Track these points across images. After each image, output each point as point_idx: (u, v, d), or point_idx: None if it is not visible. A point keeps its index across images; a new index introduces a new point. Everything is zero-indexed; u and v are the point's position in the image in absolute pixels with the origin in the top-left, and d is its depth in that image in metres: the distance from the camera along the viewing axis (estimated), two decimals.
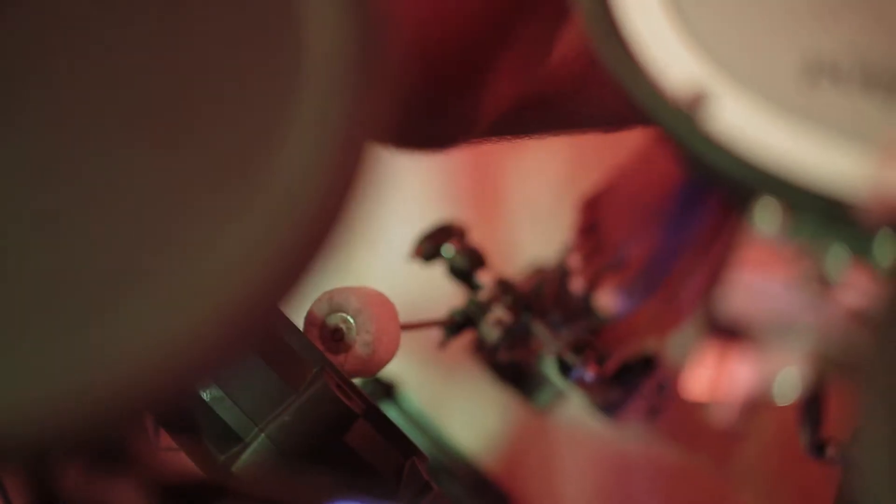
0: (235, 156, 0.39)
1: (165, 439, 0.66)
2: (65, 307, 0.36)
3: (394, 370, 1.05)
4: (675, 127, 0.45)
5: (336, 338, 0.70)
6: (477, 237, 0.87)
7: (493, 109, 0.68)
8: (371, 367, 0.70)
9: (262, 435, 0.65)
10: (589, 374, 0.85)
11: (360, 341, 0.69)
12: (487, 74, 0.65)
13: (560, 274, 0.95)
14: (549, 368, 0.87)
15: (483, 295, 0.86)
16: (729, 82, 0.45)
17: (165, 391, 0.36)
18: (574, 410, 1.02)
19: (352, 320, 0.69)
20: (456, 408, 1.06)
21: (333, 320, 0.69)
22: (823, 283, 0.43)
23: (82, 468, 0.38)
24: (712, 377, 0.44)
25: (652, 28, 0.46)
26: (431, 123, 0.65)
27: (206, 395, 0.65)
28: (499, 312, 0.85)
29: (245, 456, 0.65)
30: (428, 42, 0.60)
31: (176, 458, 0.59)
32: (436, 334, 0.85)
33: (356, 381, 1.01)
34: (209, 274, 0.37)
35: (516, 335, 0.86)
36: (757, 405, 0.44)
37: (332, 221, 0.38)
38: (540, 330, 0.87)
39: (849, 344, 0.43)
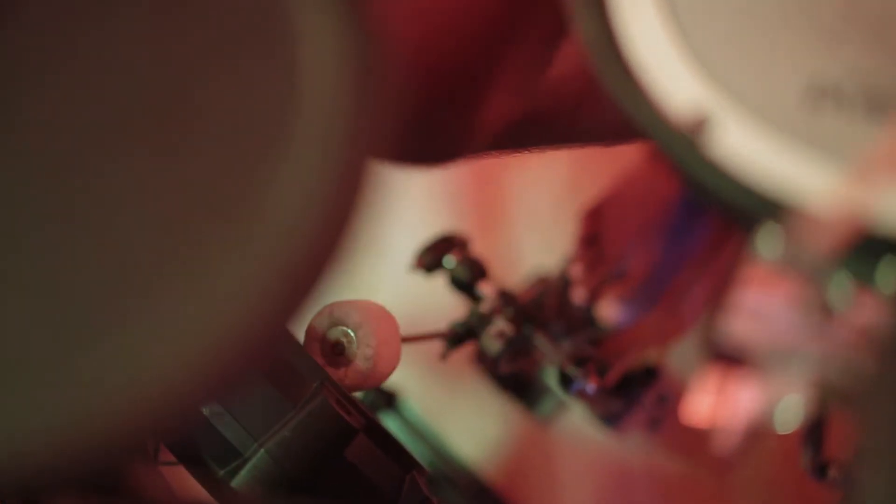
0: (234, 180, 0.39)
1: (164, 454, 0.66)
2: (62, 335, 0.36)
3: (395, 380, 1.04)
4: (677, 151, 0.44)
5: (337, 352, 0.69)
6: (478, 248, 0.87)
7: (490, 125, 0.68)
8: (372, 380, 0.70)
9: (262, 450, 0.65)
10: (590, 386, 0.85)
11: (361, 355, 0.69)
12: (485, 91, 0.65)
13: (561, 285, 0.95)
14: (551, 379, 0.87)
15: (484, 306, 0.85)
16: (732, 106, 0.45)
17: (167, 421, 0.35)
18: (575, 421, 1.02)
19: (353, 334, 0.69)
20: (457, 417, 1.06)
21: (334, 334, 0.69)
22: (826, 310, 0.43)
23: (77, 498, 0.37)
24: (713, 403, 0.44)
25: (654, 51, 0.46)
26: (429, 140, 0.65)
27: (205, 411, 0.65)
28: (500, 324, 0.85)
29: (244, 471, 0.65)
30: (424, 58, 0.60)
31: (173, 479, 0.59)
32: (437, 344, 0.85)
33: (357, 394, 1.01)
34: (210, 300, 0.37)
35: (518, 346, 0.86)
36: (758, 432, 0.44)
37: (335, 243, 0.38)
38: (541, 341, 0.86)
39: (851, 371, 0.43)
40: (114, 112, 0.39)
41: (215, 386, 0.35)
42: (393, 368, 0.71)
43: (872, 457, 0.38)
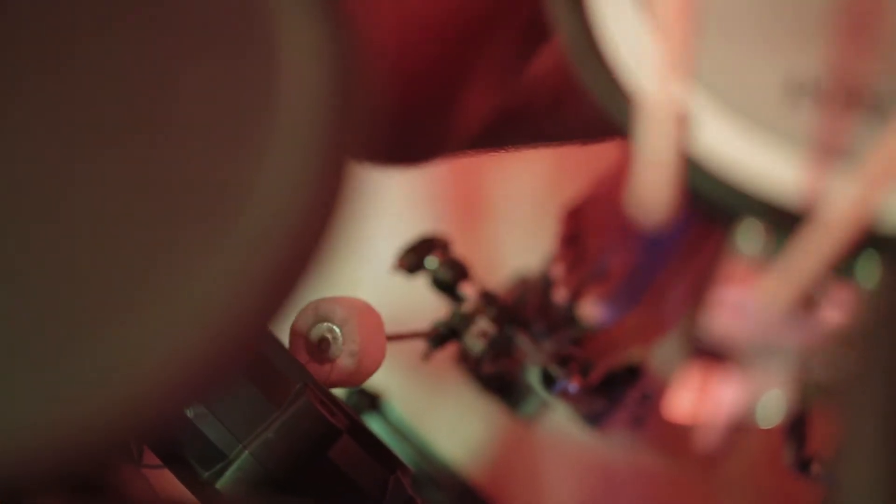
0: (215, 181, 0.39)
1: (149, 456, 0.66)
2: (44, 338, 0.36)
3: (379, 381, 1.05)
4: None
5: (322, 348, 0.69)
6: (460, 249, 0.87)
7: (468, 124, 0.68)
8: (357, 377, 0.70)
9: (246, 452, 0.65)
10: (573, 386, 0.85)
11: (346, 351, 0.69)
12: (462, 90, 0.65)
13: (543, 284, 0.95)
14: (534, 379, 0.87)
15: (467, 306, 0.85)
16: (711, 103, 0.45)
17: (150, 421, 0.35)
18: (559, 421, 1.02)
19: (338, 330, 0.69)
20: (441, 418, 1.06)
21: (319, 331, 0.69)
22: (807, 304, 0.43)
23: (62, 499, 0.37)
24: (696, 399, 0.44)
25: (633, 48, 0.46)
26: (406, 140, 0.65)
27: (189, 413, 0.65)
28: (482, 324, 0.85)
29: (228, 473, 0.65)
30: (401, 58, 0.60)
31: (157, 481, 0.59)
32: (420, 346, 0.85)
33: (340, 391, 1.01)
34: (193, 301, 0.37)
35: (500, 346, 0.86)
36: (740, 427, 0.44)
37: (316, 242, 0.38)
38: (523, 341, 0.86)
39: (833, 365, 0.43)
40: (98, 117, 0.39)
41: (199, 386, 0.35)
42: (378, 364, 0.70)
43: (854, 451, 0.39)
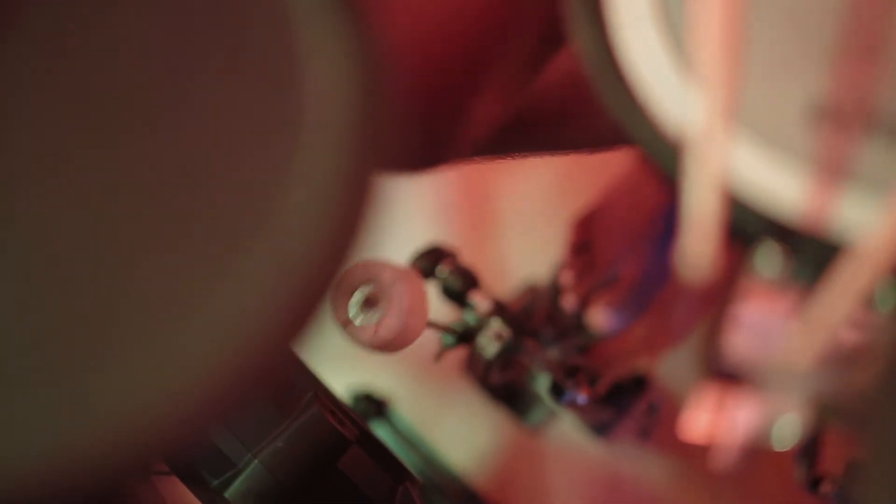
0: (240, 200, 0.39)
1: (158, 464, 0.66)
2: (64, 357, 0.36)
3: (386, 387, 1.05)
4: (673, 166, 0.44)
5: (367, 307, 0.67)
6: (469, 257, 0.87)
7: (479, 131, 0.68)
8: (402, 340, 0.67)
9: (256, 461, 0.65)
10: (581, 396, 0.85)
11: (395, 311, 0.66)
12: (470, 98, 0.65)
13: (552, 292, 0.95)
14: (542, 389, 0.87)
15: (476, 315, 0.85)
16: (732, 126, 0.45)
17: (169, 444, 0.35)
18: (566, 430, 1.02)
19: (385, 291, 0.67)
20: (448, 426, 1.06)
21: (366, 290, 0.67)
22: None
23: None
24: (711, 420, 0.44)
25: (652, 64, 0.46)
26: (417, 146, 0.65)
27: None
28: (497, 326, 0.84)
29: (238, 482, 0.65)
30: (415, 67, 0.60)
31: (167, 490, 0.59)
32: (429, 353, 0.84)
33: (346, 397, 1.01)
34: (216, 321, 0.36)
35: (508, 355, 0.86)
36: (755, 449, 0.44)
37: (339, 260, 0.38)
38: (531, 349, 0.86)
39: (850, 388, 0.43)
40: (118, 133, 0.39)
41: (220, 407, 0.35)
42: (421, 331, 0.68)
43: (875, 472, 0.38)
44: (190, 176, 0.38)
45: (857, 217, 0.42)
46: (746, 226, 0.43)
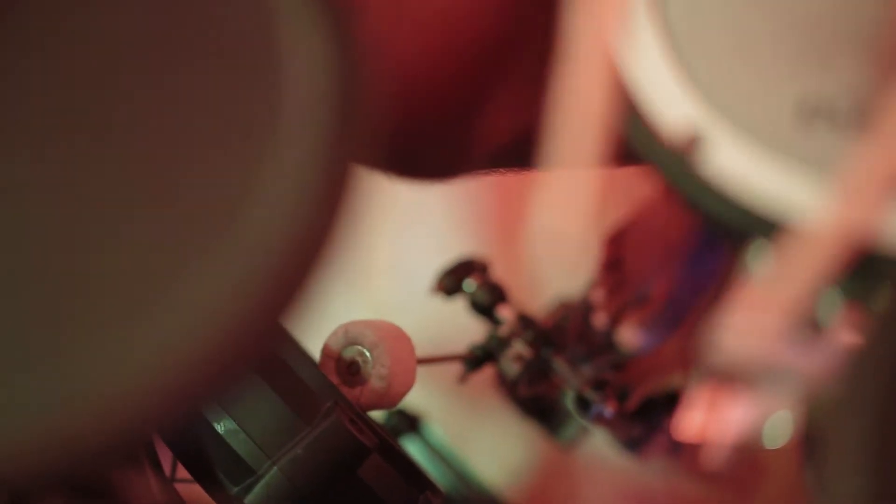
0: (216, 182, 0.40)
1: (180, 471, 0.67)
2: (51, 332, 0.37)
3: (418, 403, 1.05)
4: (670, 169, 0.45)
5: (352, 371, 0.70)
6: (499, 271, 0.87)
7: (490, 142, 0.68)
8: (387, 400, 0.71)
9: (275, 468, 0.65)
10: (608, 410, 0.85)
11: (376, 375, 0.69)
12: (483, 106, 0.65)
13: (583, 309, 0.95)
14: (569, 403, 0.87)
15: (504, 330, 0.86)
16: (724, 125, 0.45)
17: (156, 420, 0.36)
18: (598, 446, 1.02)
19: (368, 353, 0.70)
20: (480, 441, 1.06)
21: (349, 353, 0.70)
22: (816, 327, 0.43)
23: (65, 499, 0.38)
24: (704, 419, 0.44)
25: (648, 69, 0.47)
26: (425, 155, 0.65)
27: (219, 428, 0.66)
28: (518, 347, 0.85)
29: (257, 488, 0.65)
30: (422, 73, 0.61)
31: (187, 496, 0.60)
32: (459, 367, 0.85)
33: (380, 414, 1.01)
34: (195, 300, 0.37)
35: (536, 370, 0.86)
36: (748, 448, 0.44)
37: (318, 244, 0.38)
38: (559, 365, 0.87)
39: (839, 388, 0.43)
40: (97, 121, 0.40)
41: (205, 386, 0.36)
42: (408, 389, 0.71)
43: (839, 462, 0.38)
44: (161, 164, 0.39)
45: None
46: (739, 225, 0.44)
